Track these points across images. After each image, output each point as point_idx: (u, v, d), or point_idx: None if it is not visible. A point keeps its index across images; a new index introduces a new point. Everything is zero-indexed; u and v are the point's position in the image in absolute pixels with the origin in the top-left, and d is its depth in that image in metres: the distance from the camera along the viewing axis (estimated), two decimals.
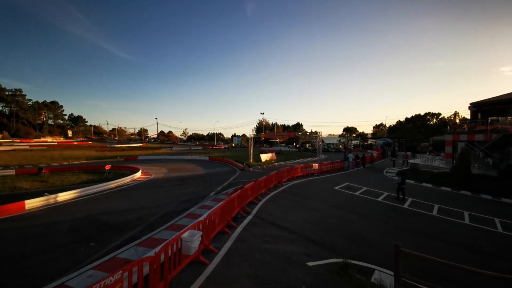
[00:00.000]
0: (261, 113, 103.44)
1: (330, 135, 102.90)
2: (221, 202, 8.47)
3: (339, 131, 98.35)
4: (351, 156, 26.35)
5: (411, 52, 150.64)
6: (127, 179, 19.04)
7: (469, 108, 27.79)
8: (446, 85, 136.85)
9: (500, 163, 20.59)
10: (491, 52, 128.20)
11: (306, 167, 20.67)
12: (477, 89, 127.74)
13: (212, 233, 7.23)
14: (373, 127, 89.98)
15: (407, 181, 20.24)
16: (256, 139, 42.13)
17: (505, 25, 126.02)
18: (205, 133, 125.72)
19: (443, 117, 72.88)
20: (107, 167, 22.57)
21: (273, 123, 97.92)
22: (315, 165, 21.55)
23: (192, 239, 5.59)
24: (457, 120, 63.20)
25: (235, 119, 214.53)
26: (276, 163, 29.90)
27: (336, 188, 16.25)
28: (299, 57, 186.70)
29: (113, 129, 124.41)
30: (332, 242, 8.09)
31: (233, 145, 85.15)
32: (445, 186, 18.60)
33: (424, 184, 19.15)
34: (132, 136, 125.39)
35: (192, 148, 68.80)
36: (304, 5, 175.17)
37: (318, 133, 32.44)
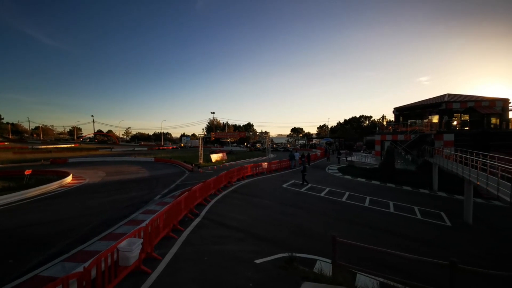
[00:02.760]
0: (211, 112, 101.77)
1: (279, 135, 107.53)
2: (167, 206, 7.99)
3: (287, 131, 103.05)
4: (297, 155, 27.86)
5: (348, 61, 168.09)
6: (54, 185, 16.53)
7: (393, 112, 32.19)
8: (376, 91, 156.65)
9: (418, 159, 24.38)
10: (411, 64, 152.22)
11: (256, 166, 21.06)
12: (401, 95, 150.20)
13: (155, 239, 6.75)
14: (317, 128, 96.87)
15: (346, 176, 22.40)
16: (206, 139, 41.24)
17: (422, 41, 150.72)
18: (151, 133, 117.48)
19: (374, 119, 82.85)
20: (27, 172, 19.16)
21: (224, 122, 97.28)
22: (265, 164, 22.14)
23: (131, 248, 5.10)
24: (384, 122, 72.53)
25: (184, 118, 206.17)
26: (227, 163, 29.75)
27: (284, 185, 16.97)
28: (249, 59, 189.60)
29: (37, 128, 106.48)
30: (280, 237, 8.39)
31: (182, 145, 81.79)
32: (375, 180, 21.16)
33: (359, 179, 21.43)
34: (62, 136, 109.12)
35: (136, 149, 63.60)
36: (252, 6, 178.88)
37: (268, 133, 33.45)
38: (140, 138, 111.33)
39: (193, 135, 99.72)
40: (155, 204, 12.01)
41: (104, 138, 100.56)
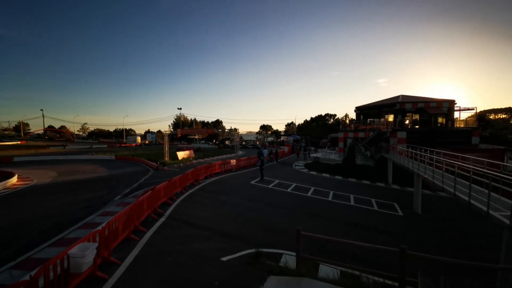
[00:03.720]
0: (178, 108, 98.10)
1: (248, 132, 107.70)
2: (127, 206, 7.50)
3: (256, 129, 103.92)
4: (265, 152, 28.22)
5: (314, 61, 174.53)
6: None
7: (355, 111, 34.20)
8: (340, 91, 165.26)
9: (375, 155, 26.25)
10: (371, 66, 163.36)
11: (224, 163, 20.86)
12: (362, 95, 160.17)
13: (114, 242, 6.31)
14: (286, 125, 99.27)
15: (311, 172, 23.28)
16: (173, 135, 39.75)
17: (380, 45, 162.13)
18: (111, 129, 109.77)
19: (338, 117, 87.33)
20: None
21: (192, 119, 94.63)
22: (233, 161, 22.05)
23: (83, 253, 4.68)
24: (347, 121, 76.85)
25: (149, 114, 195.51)
26: (194, 161, 29.03)
27: (252, 182, 17.07)
28: (218, 54, 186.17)
29: None
30: (247, 234, 8.42)
31: (147, 142, 77.80)
32: (338, 175, 22.33)
33: (324, 175, 22.43)
34: (7, 132, 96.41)
35: (94, 146, 58.88)
36: (223, 3, 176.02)
37: (237, 130, 33.34)
38: (99, 134, 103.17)
39: (159, 131, 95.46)
40: (114, 205, 11.24)
41: (56, 134, 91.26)
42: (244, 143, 60.74)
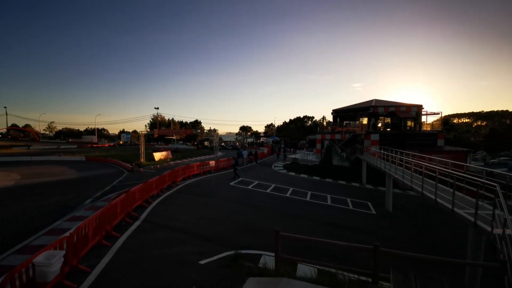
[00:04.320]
0: (155, 108, 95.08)
1: (228, 133, 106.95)
2: (99, 210, 7.11)
3: (236, 130, 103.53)
4: (245, 153, 28.23)
5: (293, 63, 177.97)
6: None
7: (332, 113, 35.29)
8: (318, 94, 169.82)
9: (351, 156, 27.28)
10: (347, 71, 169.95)
11: (203, 164, 20.53)
12: (339, 98, 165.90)
13: (83, 249, 5.94)
14: (265, 127, 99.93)
15: (290, 173, 23.63)
16: (149, 136, 38.44)
17: (355, 51, 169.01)
18: (82, 128, 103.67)
19: (316, 120, 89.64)
20: None
21: (170, 119, 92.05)
22: (212, 163, 21.77)
23: (49, 262, 4.35)
24: (324, 123, 79.16)
25: (124, 113, 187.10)
26: (172, 162, 28.25)
27: (232, 183, 16.96)
28: (198, 54, 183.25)
29: None
30: (227, 236, 8.34)
31: (121, 142, 74.50)
32: (316, 176, 22.89)
33: (302, 175, 22.88)
34: None
35: (62, 147, 55.26)
36: (202, 3, 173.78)
37: (216, 131, 32.98)
38: (68, 134, 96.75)
39: (134, 131, 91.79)
40: (84, 209, 10.62)
41: (19, 134, 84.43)
42: (223, 144, 60.25)
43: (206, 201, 12.32)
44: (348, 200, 15.14)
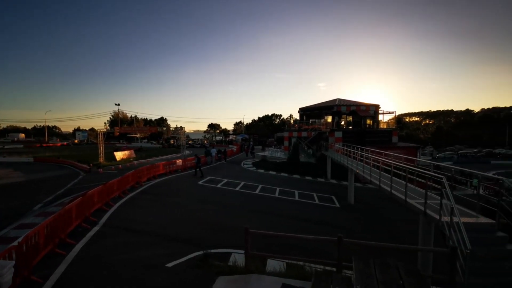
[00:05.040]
0: (116, 104, 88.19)
1: (196, 130, 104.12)
2: (50, 216, 6.45)
3: (204, 127, 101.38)
4: (214, 151, 27.79)
5: (262, 62, 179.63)
6: None
7: (298, 112, 36.43)
8: (285, 92, 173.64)
9: (317, 152, 28.46)
10: (313, 71, 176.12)
11: (169, 163, 19.76)
12: (305, 97, 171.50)
13: (34, 259, 5.35)
14: (234, 124, 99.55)
15: (259, 170, 23.90)
16: (109, 134, 35.76)
17: (319, 51, 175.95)
18: (29, 126, 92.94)
19: (283, 118, 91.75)
20: None
21: (133, 116, 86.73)
22: (179, 161, 21.07)
23: (1, 272, 3.89)
24: (292, 121, 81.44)
25: (79, 110, 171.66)
26: (135, 161, 26.73)
27: (200, 182, 16.60)
28: (162, 49, 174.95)
29: None
30: (196, 236, 8.15)
31: (76, 141, 68.49)
32: (284, 173, 23.46)
33: (270, 172, 23.28)
34: None
35: (7, 147, 49.02)
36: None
37: (183, 129, 31.94)
38: (12, 131, 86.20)
39: (92, 129, 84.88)
40: (34, 215, 9.56)
41: None
42: (191, 142, 58.63)
43: (173, 201, 11.90)
44: (315, 195, 15.79)
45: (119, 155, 28.97)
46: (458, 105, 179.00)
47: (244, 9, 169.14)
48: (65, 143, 63.58)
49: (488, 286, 4.40)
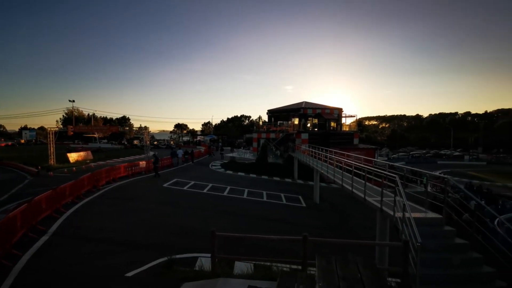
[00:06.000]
0: (70, 101, 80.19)
1: (161, 131, 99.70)
2: None
3: (170, 127, 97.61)
4: (180, 152, 26.92)
5: (229, 62, 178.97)
6: None
7: (267, 113, 37.00)
8: (254, 94, 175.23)
9: (284, 154, 29.11)
10: (280, 73, 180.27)
11: (131, 165, 18.68)
12: (273, 99, 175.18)
13: None
14: (202, 125, 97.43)
15: (228, 171, 23.71)
16: (62, 133, 32.61)
17: (286, 55, 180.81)
18: None
19: (252, 119, 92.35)
20: None
21: (90, 114, 79.97)
22: (142, 163, 20.02)
23: None
24: (260, 122, 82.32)
25: (26, 107, 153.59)
26: (93, 164, 24.69)
27: (165, 185, 15.93)
28: (125, 43, 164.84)
29: None
30: (159, 241, 7.78)
31: (22, 141, 61.32)
32: (252, 173, 23.58)
33: (239, 173, 23.24)
34: None
35: None
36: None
37: (148, 129, 30.34)
38: None
39: (42, 128, 76.56)
40: None
41: None
42: (156, 142, 56.03)
43: (135, 206, 11.23)
44: (282, 195, 16.13)
45: (73, 156, 26.53)
46: (410, 110, 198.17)
47: (212, 9, 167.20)
48: (9, 143, 56.38)
49: (438, 277, 4.83)
